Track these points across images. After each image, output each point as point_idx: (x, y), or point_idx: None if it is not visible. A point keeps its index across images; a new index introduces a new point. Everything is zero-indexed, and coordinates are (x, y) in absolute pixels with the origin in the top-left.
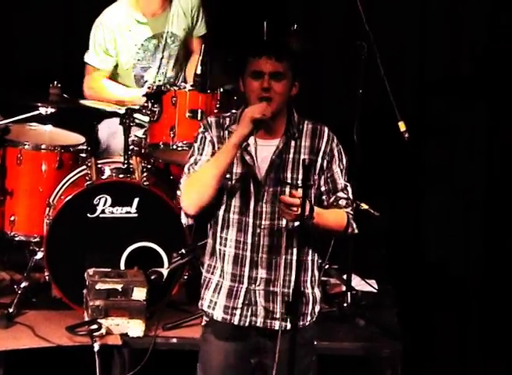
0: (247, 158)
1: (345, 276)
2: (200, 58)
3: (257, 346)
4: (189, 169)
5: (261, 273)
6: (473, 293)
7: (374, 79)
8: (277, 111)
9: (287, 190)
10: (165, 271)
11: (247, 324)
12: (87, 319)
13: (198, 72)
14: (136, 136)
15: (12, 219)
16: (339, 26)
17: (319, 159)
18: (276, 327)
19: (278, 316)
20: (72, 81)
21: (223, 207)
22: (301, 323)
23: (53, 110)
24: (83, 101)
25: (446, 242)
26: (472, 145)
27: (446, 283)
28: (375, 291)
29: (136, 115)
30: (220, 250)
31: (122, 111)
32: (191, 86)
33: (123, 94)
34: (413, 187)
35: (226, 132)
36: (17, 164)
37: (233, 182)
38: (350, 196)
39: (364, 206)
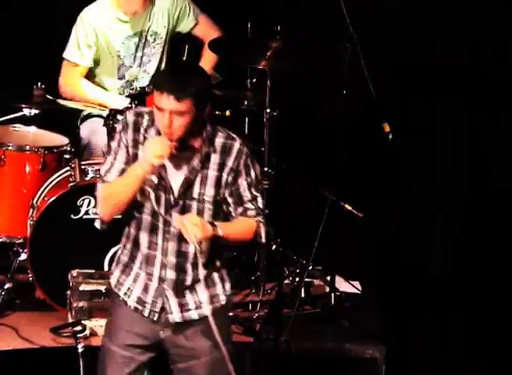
0: (162, 172)
1: (329, 278)
2: (184, 58)
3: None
4: (104, 175)
5: (170, 274)
6: (455, 294)
7: (358, 80)
8: (183, 139)
9: (194, 205)
10: None
11: (155, 318)
12: (70, 320)
13: None
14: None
15: None
16: (323, 27)
17: (224, 175)
18: (194, 317)
19: (191, 306)
20: (55, 82)
21: (139, 208)
22: (216, 304)
23: (37, 111)
24: (67, 103)
25: (427, 243)
26: (453, 146)
27: (428, 284)
28: (359, 292)
29: (119, 116)
30: (137, 241)
31: (105, 112)
32: None
33: (99, 96)
34: (395, 188)
35: (142, 137)
36: (0, 165)
37: (148, 188)
38: (260, 206)
39: (348, 207)
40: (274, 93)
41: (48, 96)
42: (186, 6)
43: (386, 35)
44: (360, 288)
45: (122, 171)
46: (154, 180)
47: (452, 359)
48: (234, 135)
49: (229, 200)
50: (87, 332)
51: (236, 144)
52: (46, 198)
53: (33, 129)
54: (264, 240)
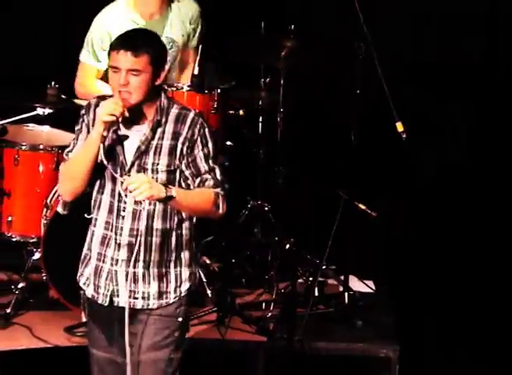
0: (116, 145)
1: (342, 277)
2: (198, 58)
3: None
4: (66, 155)
5: (122, 254)
6: (470, 293)
7: (372, 79)
8: (137, 103)
9: (150, 175)
10: None
11: (106, 304)
12: (84, 319)
13: (195, 72)
14: None
15: (9, 219)
16: (337, 26)
17: (179, 144)
18: (138, 306)
19: (139, 295)
20: (69, 82)
21: (95, 188)
22: (164, 300)
23: (51, 111)
24: (80, 102)
25: (440, 242)
26: (467, 144)
27: (442, 284)
28: (373, 291)
29: None
30: (90, 229)
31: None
32: (188, 86)
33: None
34: (410, 187)
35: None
36: (14, 165)
37: (102, 165)
38: (218, 177)
39: (362, 207)
40: (287, 92)
41: (62, 95)
42: (199, 24)
43: (400, 35)
44: (373, 287)
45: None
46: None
47: (465, 359)
48: (190, 108)
49: (186, 172)
50: None
51: (191, 114)
52: (60, 198)
53: (46, 128)
54: (221, 211)
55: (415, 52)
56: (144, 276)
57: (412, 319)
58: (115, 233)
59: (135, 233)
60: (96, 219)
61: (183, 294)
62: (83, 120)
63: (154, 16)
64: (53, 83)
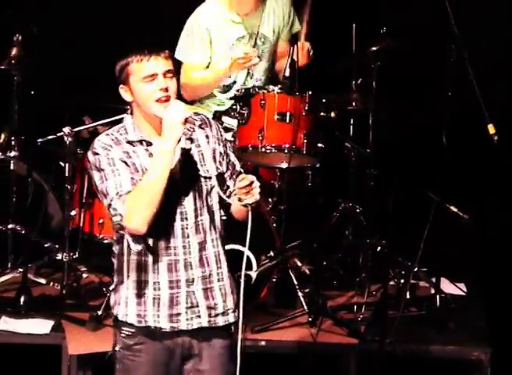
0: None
1: (434, 279)
2: (289, 60)
3: (190, 352)
4: (117, 193)
5: (196, 272)
6: None
7: (463, 81)
8: None
9: (203, 185)
10: (253, 274)
11: (194, 327)
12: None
13: (287, 74)
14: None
15: (100, 222)
16: (428, 29)
17: (216, 146)
18: (220, 323)
19: (220, 310)
20: None
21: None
22: (237, 313)
23: None
24: None
25: None
26: None
27: None
28: (464, 294)
29: (224, 118)
30: (148, 262)
31: (210, 115)
32: (280, 88)
33: (214, 70)
34: (503, 190)
35: (129, 145)
36: None
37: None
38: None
39: (453, 209)
40: (379, 94)
41: None
42: (292, 15)
43: (493, 36)
44: (465, 290)
45: (133, 180)
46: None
47: None
48: None
49: (227, 174)
50: None
51: (207, 116)
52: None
53: None
54: None
55: (507, 52)
56: (219, 290)
57: (504, 321)
58: (184, 254)
59: (202, 246)
60: (155, 249)
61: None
62: (113, 158)
63: (249, 13)
64: None
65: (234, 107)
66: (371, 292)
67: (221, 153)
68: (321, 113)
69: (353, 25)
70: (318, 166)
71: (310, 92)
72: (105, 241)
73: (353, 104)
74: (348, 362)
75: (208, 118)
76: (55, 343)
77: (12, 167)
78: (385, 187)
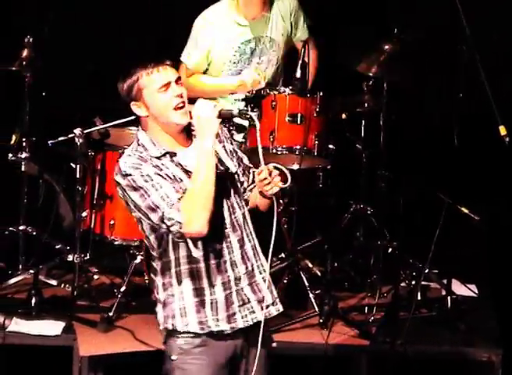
0: (186, 167)
1: (445, 281)
2: (300, 62)
3: (242, 353)
4: (170, 203)
5: (241, 269)
6: None
7: (474, 83)
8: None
9: (228, 184)
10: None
11: (251, 323)
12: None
13: (297, 75)
14: (235, 140)
15: (111, 223)
16: (439, 30)
17: (228, 145)
18: (274, 313)
19: (269, 301)
20: None
21: None
22: (279, 305)
23: None
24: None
25: None
26: None
27: None
28: (475, 295)
29: (235, 119)
30: (200, 268)
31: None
32: (291, 90)
33: (219, 80)
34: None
35: (155, 159)
36: None
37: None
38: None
39: (464, 210)
40: (390, 96)
41: None
42: (300, 15)
43: (504, 37)
44: (476, 291)
45: (175, 189)
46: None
47: None
48: None
49: (239, 170)
50: None
51: None
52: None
53: None
54: None
55: None
56: (263, 281)
57: None
58: (228, 253)
59: (241, 243)
60: (201, 256)
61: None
62: (148, 172)
63: (257, 17)
64: None
65: (245, 108)
66: (382, 293)
67: (231, 151)
68: (332, 114)
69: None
70: (329, 167)
71: (321, 93)
72: (116, 243)
73: (365, 105)
74: (359, 363)
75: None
76: (66, 344)
77: (23, 168)
78: (396, 189)
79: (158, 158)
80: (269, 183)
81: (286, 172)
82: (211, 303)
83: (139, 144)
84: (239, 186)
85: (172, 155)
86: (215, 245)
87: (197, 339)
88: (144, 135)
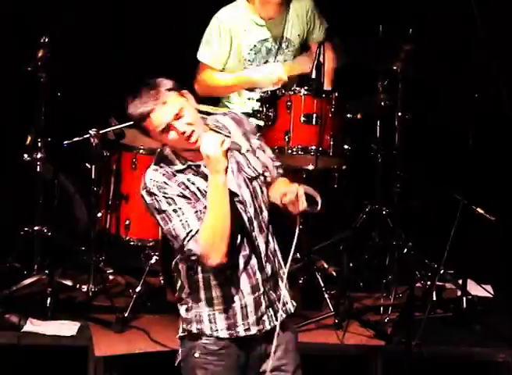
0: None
1: (460, 281)
2: (315, 62)
3: (260, 353)
4: (190, 235)
5: (268, 270)
6: None
7: (489, 83)
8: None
9: (256, 185)
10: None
11: (277, 322)
12: None
13: (313, 76)
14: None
15: (127, 223)
16: (453, 29)
17: (253, 141)
18: (292, 309)
19: (287, 298)
20: (186, 84)
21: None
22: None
23: None
24: (199, 106)
25: None
26: None
27: None
28: (491, 295)
29: (250, 119)
30: (225, 275)
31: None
32: (306, 90)
33: (241, 75)
34: None
35: (181, 174)
36: (132, 169)
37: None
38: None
39: (480, 211)
40: (405, 96)
41: None
42: (316, 17)
43: None
44: (492, 292)
45: (197, 213)
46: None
47: None
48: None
49: (269, 164)
50: None
51: (237, 113)
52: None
53: None
54: None
55: None
56: (281, 278)
57: None
58: (256, 257)
59: (267, 243)
60: (229, 261)
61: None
62: (172, 195)
63: (273, 17)
64: None
65: (260, 109)
66: (397, 294)
67: (258, 147)
68: (348, 115)
69: (380, 26)
70: (344, 167)
71: (336, 94)
72: (131, 243)
73: (380, 105)
74: (375, 363)
75: (236, 113)
76: (82, 345)
77: (38, 169)
78: (412, 189)
79: (183, 171)
80: (294, 204)
81: (317, 197)
82: (241, 308)
83: (163, 157)
84: (264, 185)
85: (197, 166)
86: (244, 251)
87: (223, 341)
88: (168, 148)
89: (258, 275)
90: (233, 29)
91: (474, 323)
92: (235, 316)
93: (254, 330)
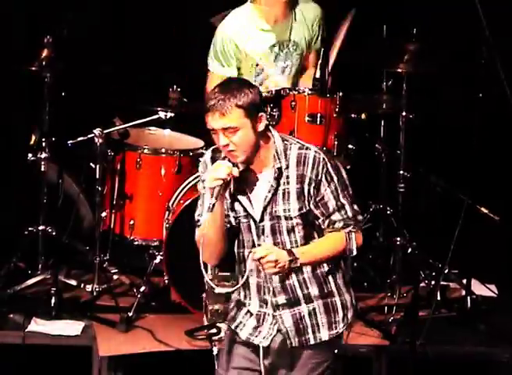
0: (241, 197)
1: (465, 281)
2: (320, 61)
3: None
4: (197, 221)
5: (281, 299)
6: None
7: (494, 82)
8: (247, 158)
9: (283, 223)
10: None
11: (267, 344)
12: (206, 323)
13: (317, 76)
14: None
15: (131, 223)
16: (458, 30)
17: (306, 186)
18: (312, 341)
19: (310, 330)
20: (190, 85)
21: (235, 243)
22: (334, 331)
23: (172, 114)
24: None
25: None
26: None
27: None
28: (495, 295)
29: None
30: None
31: None
32: (310, 90)
33: None
34: None
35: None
36: (136, 168)
37: (235, 220)
38: (349, 214)
39: (484, 210)
40: (410, 96)
41: (184, 99)
42: (322, 29)
43: None
44: (496, 291)
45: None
46: (240, 197)
47: None
48: (308, 145)
49: (316, 212)
50: (223, 335)
51: (311, 153)
52: (181, 201)
53: (168, 132)
54: (355, 252)
55: None
56: (308, 312)
57: None
58: (266, 281)
59: (284, 276)
60: (244, 270)
61: (349, 321)
62: (203, 180)
63: (278, 21)
64: (175, 86)
65: (265, 108)
66: (401, 293)
67: (309, 192)
68: (352, 115)
69: (384, 27)
70: (348, 167)
71: (340, 94)
72: (136, 243)
73: (384, 105)
74: (379, 363)
75: (307, 156)
76: (86, 344)
77: (42, 169)
78: (416, 189)
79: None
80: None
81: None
82: (241, 307)
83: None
84: (296, 228)
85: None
86: (253, 268)
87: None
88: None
89: (268, 296)
90: (237, 38)
91: (478, 322)
92: (235, 309)
93: (243, 334)
